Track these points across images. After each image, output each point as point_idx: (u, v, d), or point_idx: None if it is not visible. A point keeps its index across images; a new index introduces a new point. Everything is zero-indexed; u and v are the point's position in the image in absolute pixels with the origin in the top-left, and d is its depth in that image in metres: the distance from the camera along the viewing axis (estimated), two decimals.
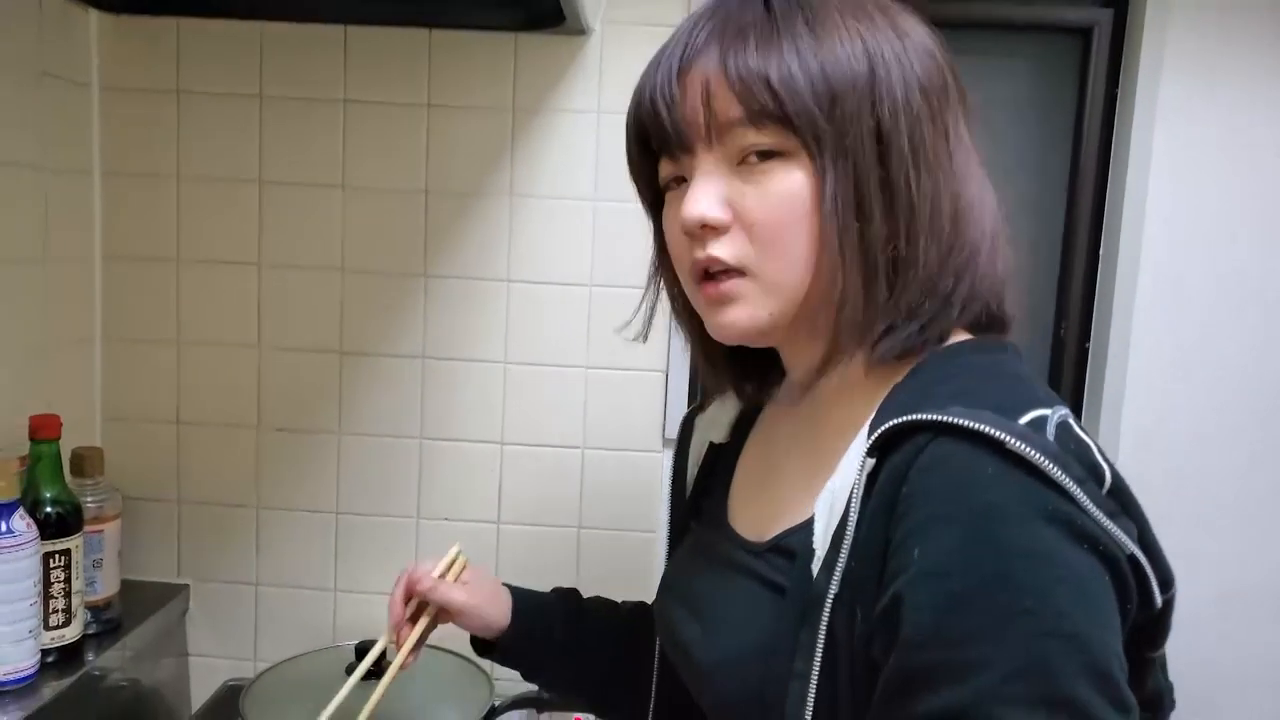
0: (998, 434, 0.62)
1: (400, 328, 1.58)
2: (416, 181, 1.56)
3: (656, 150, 0.81)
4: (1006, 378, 0.74)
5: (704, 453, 1.03)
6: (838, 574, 0.67)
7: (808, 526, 0.73)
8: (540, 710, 1.48)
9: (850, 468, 0.71)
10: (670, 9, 1.50)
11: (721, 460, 1.01)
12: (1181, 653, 0.79)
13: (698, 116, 0.76)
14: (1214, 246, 1.57)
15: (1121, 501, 0.65)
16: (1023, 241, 1.62)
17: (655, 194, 0.86)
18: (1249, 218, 1.56)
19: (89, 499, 1.40)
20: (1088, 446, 0.66)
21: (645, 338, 0.91)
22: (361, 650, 1.44)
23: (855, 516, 0.67)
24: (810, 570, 0.71)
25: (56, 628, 1.31)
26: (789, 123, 0.73)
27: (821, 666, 0.67)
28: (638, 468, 1.58)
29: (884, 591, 0.64)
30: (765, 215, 0.75)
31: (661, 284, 0.91)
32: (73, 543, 1.32)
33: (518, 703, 1.45)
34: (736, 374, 0.94)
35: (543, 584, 1.57)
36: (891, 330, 0.75)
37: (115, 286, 1.59)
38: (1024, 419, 0.65)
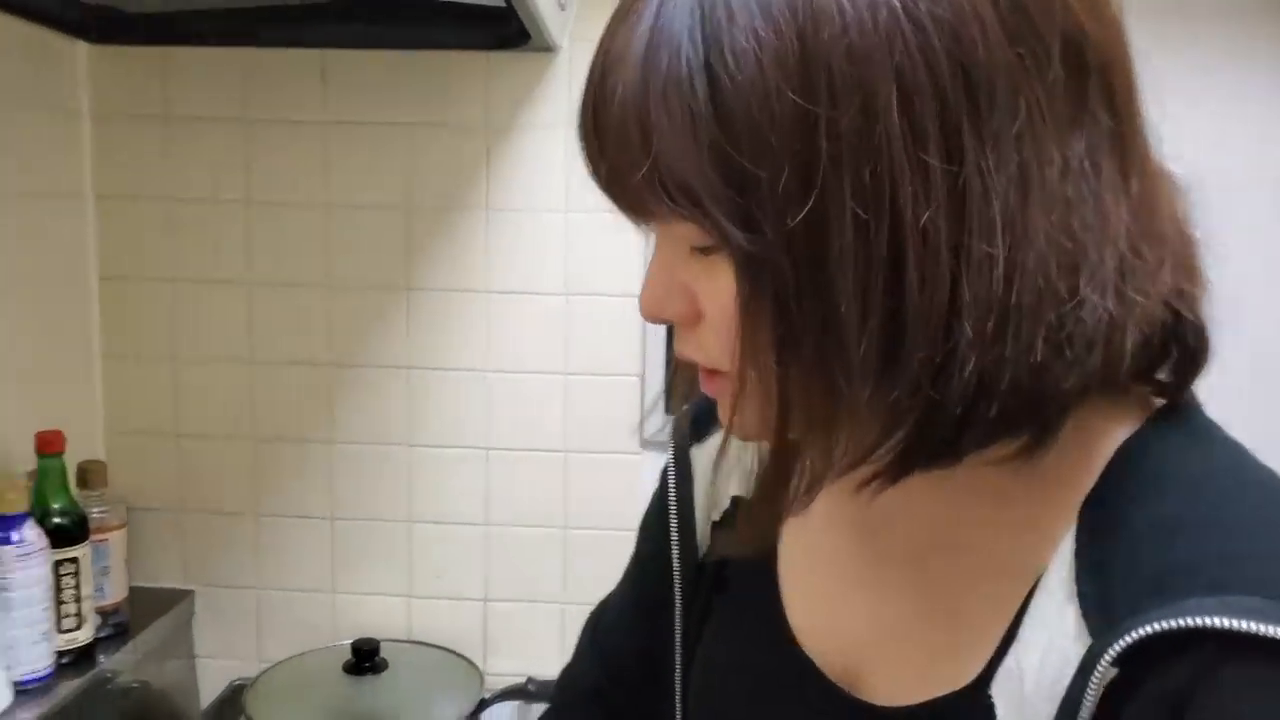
0: None
1: (385, 340, 1.65)
2: (397, 198, 1.62)
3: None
4: (1256, 484, 0.53)
5: (725, 508, 0.75)
6: None
7: (978, 706, 0.54)
8: (529, 702, 1.55)
9: (1050, 649, 0.51)
10: None
11: None
12: None
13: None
14: None
15: None
16: None
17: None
18: (1216, 209, 1.61)
19: (94, 510, 1.46)
20: None
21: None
22: (357, 648, 1.53)
23: None
24: None
25: (69, 631, 1.38)
26: (681, 204, 0.50)
27: None
28: (617, 469, 1.64)
29: None
30: (714, 312, 0.53)
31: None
32: (80, 551, 1.39)
33: (506, 694, 1.52)
34: None
35: (529, 578, 1.65)
36: (966, 430, 0.50)
37: (112, 306, 1.66)
38: None
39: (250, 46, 1.59)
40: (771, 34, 0.45)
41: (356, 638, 1.53)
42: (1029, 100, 0.46)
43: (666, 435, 0.79)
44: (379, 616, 1.69)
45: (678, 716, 0.74)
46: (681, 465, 0.76)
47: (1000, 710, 0.52)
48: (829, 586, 0.65)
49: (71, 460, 1.42)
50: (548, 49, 1.54)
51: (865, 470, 0.52)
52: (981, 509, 0.57)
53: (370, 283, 1.64)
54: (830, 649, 0.63)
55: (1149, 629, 0.45)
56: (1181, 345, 0.54)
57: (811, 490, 0.54)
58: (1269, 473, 0.53)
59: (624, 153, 0.50)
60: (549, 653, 1.65)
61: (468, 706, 1.46)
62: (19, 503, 1.29)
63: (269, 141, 1.62)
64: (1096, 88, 0.49)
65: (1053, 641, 0.50)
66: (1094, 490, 0.53)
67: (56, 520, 1.37)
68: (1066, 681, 0.48)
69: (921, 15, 0.45)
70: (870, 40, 0.45)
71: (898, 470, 0.52)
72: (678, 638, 0.74)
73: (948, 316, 0.47)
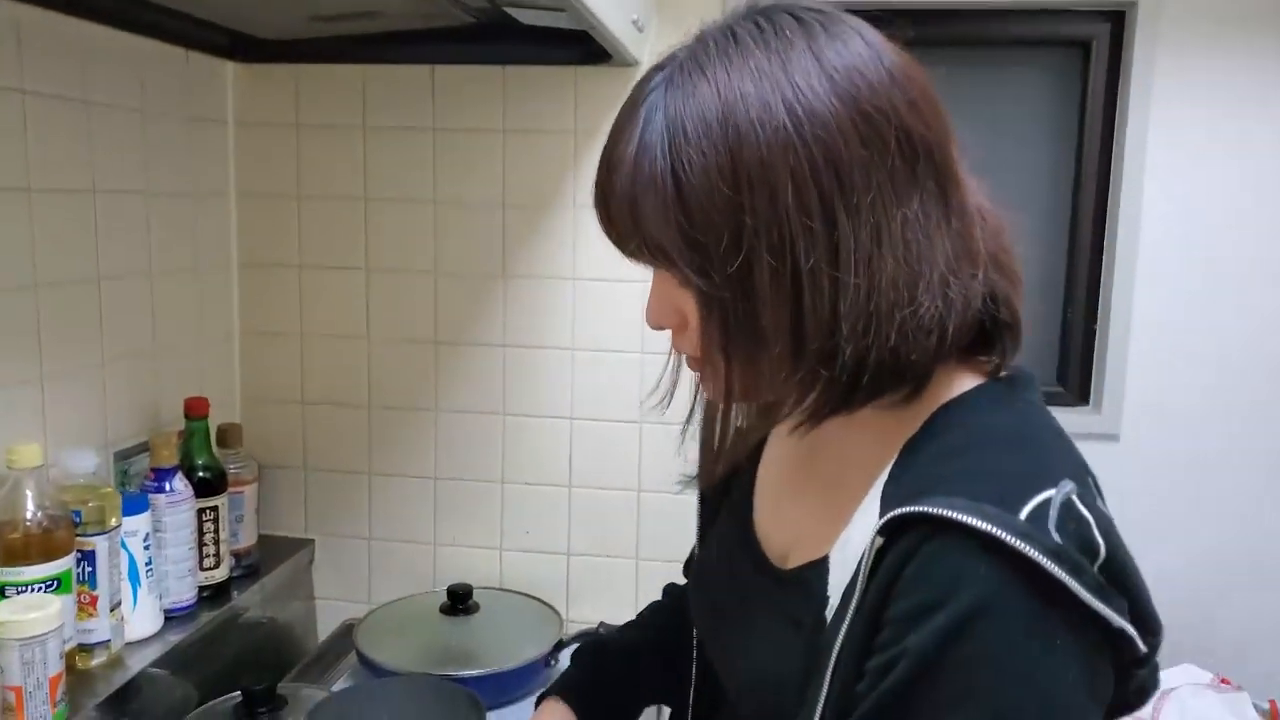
0: (997, 533, 0.63)
1: (483, 320, 1.83)
2: (495, 196, 1.80)
3: None
4: (1020, 446, 0.74)
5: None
6: (843, 628, 0.70)
7: (822, 569, 0.78)
8: None
9: (863, 526, 0.74)
10: None
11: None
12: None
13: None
14: (1205, 238, 1.72)
15: (1113, 572, 0.67)
16: (1034, 236, 1.81)
17: None
18: (1237, 211, 1.71)
19: (231, 466, 1.68)
20: (1088, 524, 0.67)
21: (668, 405, 0.91)
22: (453, 591, 1.71)
23: (862, 582, 0.70)
24: (824, 617, 0.75)
25: (208, 569, 1.60)
26: (646, 257, 0.76)
27: (825, 699, 0.71)
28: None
29: (877, 653, 0.68)
30: (692, 323, 0.77)
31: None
32: (219, 501, 1.61)
33: (582, 637, 1.68)
34: None
35: (607, 535, 1.79)
36: (858, 393, 0.73)
37: (250, 290, 1.88)
38: (1028, 506, 0.66)
39: (369, 64, 1.79)
40: (712, 149, 0.69)
41: (452, 583, 1.73)
42: (878, 180, 0.70)
43: None
44: (474, 566, 1.88)
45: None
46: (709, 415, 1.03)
47: (832, 567, 0.77)
48: (778, 498, 0.93)
49: (213, 423, 1.64)
50: (627, 64, 1.70)
51: (794, 420, 0.78)
52: (869, 442, 0.80)
53: (471, 270, 1.82)
54: (772, 534, 0.91)
55: (898, 512, 0.68)
56: (1000, 328, 0.77)
57: (747, 437, 0.86)
58: (1031, 430, 0.76)
59: (622, 226, 0.75)
60: (623, 601, 1.82)
61: (547, 646, 1.63)
62: (171, 458, 1.51)
63: (384, 146, 1.81)
64: (925, 164, 0.72)
65: (864, 523, 0.74)
66: (913, 435, 0.76)
67: (200, 474, 1.59)
68: (863, 546, 0.71)
69: (806, 135, 0.68)
70: (774, 153, 0.68)
71: (812, 421, 0.76)
72: (696, 537, 1.06)
73: (830, 323, 0.70)
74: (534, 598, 1.79)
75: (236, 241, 1.87)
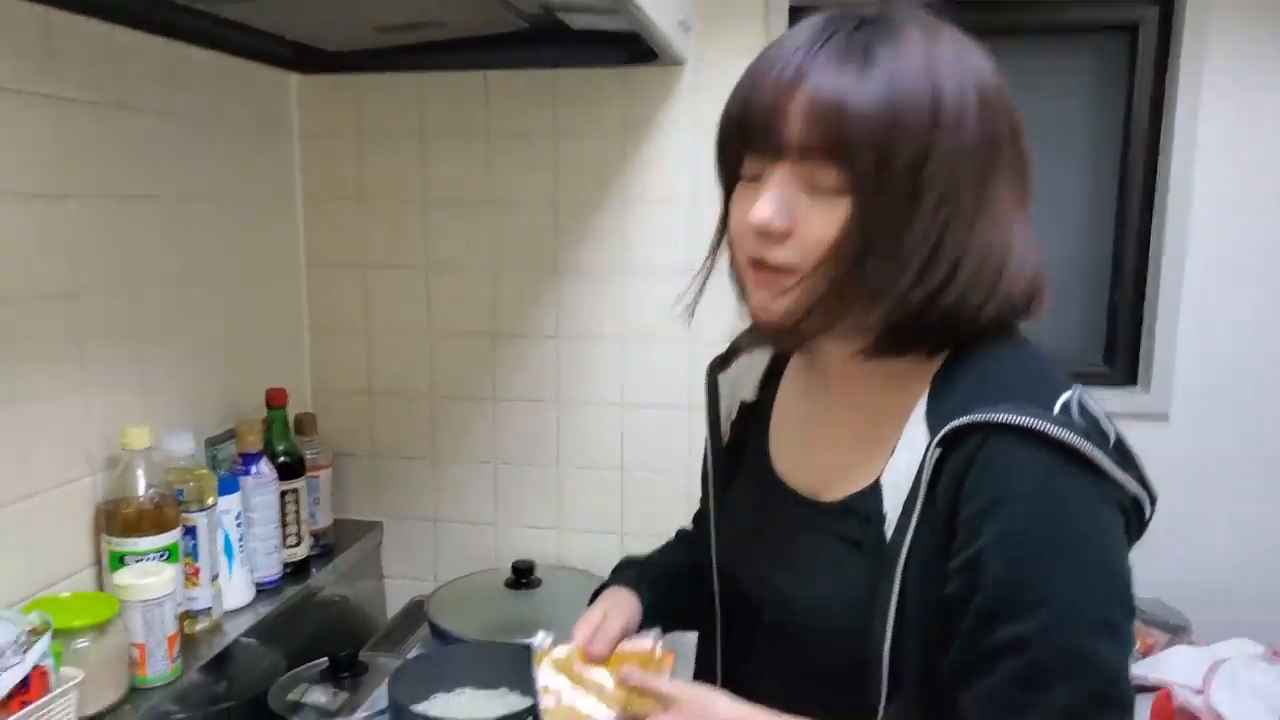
0: (1042, 427, 0.78)
1: (538, 313, 1.92)
2: (547, 193, 1.89)
3: (744, 146, 0.88)
4: (1034, 373, 0.88)
5: (736, 409, 1.13)
6: (909, 537, 0.83)
7: (875, 494, 0.88)
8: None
9: (912, 450, 0.85)
10: (751, 40, 1.78)
11: (754, 415, 1.11)
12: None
13: (791, 136, 0.83)
14: (1257, 221, 1.78)
15: (1122, 452, 0.83)
16: (1080, 221, 1.88)
17: (731, 179, 0.93)
18: None
19: (308, 452, 1.78)
20: (1097, 417, 0.83)
21: (692, 313, 1.01)
22: (517, 567, 1.80)
23: (923, 492, 0.83)
24: (884, 531, 0.86)
25: (291, 547, 1.71)
26: (850, 167, 0.81)
27: (896, 606, 0.83)
28: None
29: (959, 553, 0.80)
30: (818, 236, 0.83)
31: (716, 259, 1.00)
32: (299, 483, 1.72)
33: None
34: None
35: (658, 514, 1.89)
36: (921, 338, 0.87)
37: (317, 288, 1.98)
38: (1056, 406, 0.81)
39: (424, 71, 1.88)
40: (926, 87, 0.81)
41: (515, 559, 1.82)
42: (1007, 158, 0.85)
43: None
44: (532, 545, 1.98)
45: (712, 537, 1.12)
46: (712, 388, 1.15)
47: (885, 490, 0.88)
48: (801, 449, 1.03)
49: (289, 413, 1.75)
50: (675, 63, 1.79)
51: (854, 347, 0.89)
52: (894, 389, 0.91)
53: (525, 265, 1.91)
54: (800, 477, 1.01)
55: (958, 422, 0.81)
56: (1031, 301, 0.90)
57: (816, 331, 0.89)
58: (1030, 356, 0.89)
59: (826, 128, 0.82)
60: None
61: None
62: (256, 443, 1.62)
63: (441, 148, 1.91)
64: (1015, 160, 0.86)
65: (912, 446, 0.86)
66: (941, 367, 0.89)
67: (282, 459, 1.69)
68: (917, 463, 0.84)
69: (986, 100, 0.83)
70: (967, 112, 0.82)
71: (872, 354, 0.89)
72: (711, 492, 1.13)
73: (952, 268, 0.83)
74: (591, 573, 1.87)
75: (304, 243, 1.97)
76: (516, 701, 1.45)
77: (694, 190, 1.84)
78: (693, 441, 1.90)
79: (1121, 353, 1.90)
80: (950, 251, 0.83)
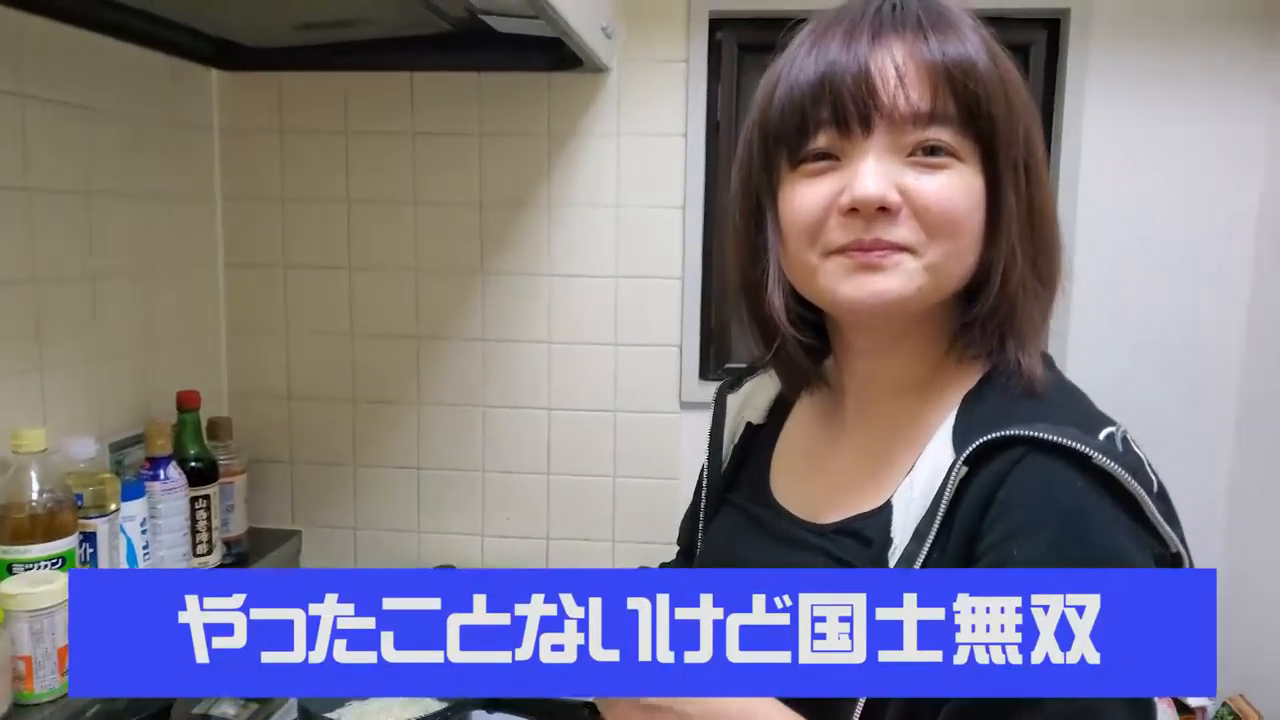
0: (1085, 450, 0.70)
1: (463, 316, 1.90)
2: (472, 195, 1.87)
3: (817, 124, 0.81)
4: (1076, 400, 0.82)
5: (740, 430, 1.07)
6: (919, 564, 0.74)
7: (882, 515, 0.81)
8: None
9: (934, 468, 0.78)
10: (672, 49, 1.79)
11: (757, 439, 1.05)
12: None
13: (899, 102, 0.78)
14: (1139, 231, 1.80)
15: (1166, 504, 0.74)
16: None
17: (774, 173, 0.86)
18: (1169, 207, 1.79)
19: (221, 457, 1.72)
20: (1141, 458, 0.75)
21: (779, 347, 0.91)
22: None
23: (942, 512, 0.74)
24: (885, 558, 0.77)
25: (201, 555, 1.65)
26: (973, 125, 0.79)
27: None
28: (659, 426, 1.88)
29: None
30: (942, 204, 0.78)
31: (769, 267, 0.89)
32: (212, 489, 1.66)
33: None
34: (806, 365, 0.93)
35: (585, 519, 1.87)
36: (1003, 334, 0.83)
37: (236, 289, 1.94)
38: (1100, 435, 0.73)
39: (350, 70, 1.85)
40: (1009, 69, 0.83)
41: (439, 565, 1.79)
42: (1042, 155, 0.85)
43: (709, 395, 1.14)
44: (457, 551, 1.95)
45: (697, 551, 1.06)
46: (719, 409, 1.10)
47: (895, 510, 0.80)
48: (809, 461, 0.97)
49: (203, 416, 1.69)
50: (599, 69, 1.78)
51: (913, 350, 0.87)
52: (916, 406, 0.87)
53: (450, 267, 1.89)
54: (798, 499, 0.95)
55: (986, 437, 0.73)
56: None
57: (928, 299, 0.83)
58: (1074, 393, 0.83)
59: (963, 100, 0.79)
60: None
61: None
62: (166, 446, 1.57)
63: (365, 149, 1.88)
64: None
65: (934, 463, 0.78)
66: (971, 389, 0.83)
67: (193, 464, 1.64)
68: (938, 483, 0.76)
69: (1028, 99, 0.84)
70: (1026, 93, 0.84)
71: (954, 342, 0.86)
72: (702, 511, 1.07)
73: (1055, 242, 0.85)
74: None
75: (223, 242, 1.93)
76: (432, 705, 1.43)
77: (618, 194, 1.84)
78: (619, 445, 1.90)
79: None
80: (1040, 224, 0.83)
